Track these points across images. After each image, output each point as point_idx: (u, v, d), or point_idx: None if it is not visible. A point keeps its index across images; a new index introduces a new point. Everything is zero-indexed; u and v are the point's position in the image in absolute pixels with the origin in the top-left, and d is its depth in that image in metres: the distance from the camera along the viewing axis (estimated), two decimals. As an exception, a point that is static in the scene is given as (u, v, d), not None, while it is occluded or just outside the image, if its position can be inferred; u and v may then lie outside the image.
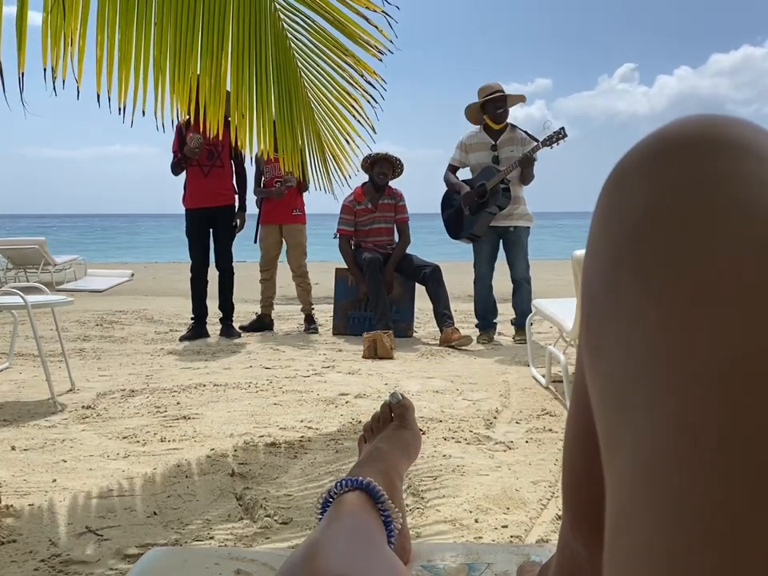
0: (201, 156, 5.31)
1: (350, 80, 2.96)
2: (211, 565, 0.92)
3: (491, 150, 5.23)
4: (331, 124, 3.14)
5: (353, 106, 3.04)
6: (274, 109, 2.86)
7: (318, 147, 3.20)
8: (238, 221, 5.64)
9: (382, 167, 5.65)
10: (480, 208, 5.13)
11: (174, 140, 5.39)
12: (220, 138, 3.00)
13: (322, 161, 3.25)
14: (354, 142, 3.17)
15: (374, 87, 2.96)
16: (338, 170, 3.30)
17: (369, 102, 3.00)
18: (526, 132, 5.21)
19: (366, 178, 5.78)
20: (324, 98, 3.05)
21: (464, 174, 5.45)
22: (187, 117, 2.71)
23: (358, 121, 3.09)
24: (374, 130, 3.09)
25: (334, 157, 3.25)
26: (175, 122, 2.52)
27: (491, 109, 5.17)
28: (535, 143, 5.02)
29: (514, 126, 5.25)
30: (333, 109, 3.09)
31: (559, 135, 4.93)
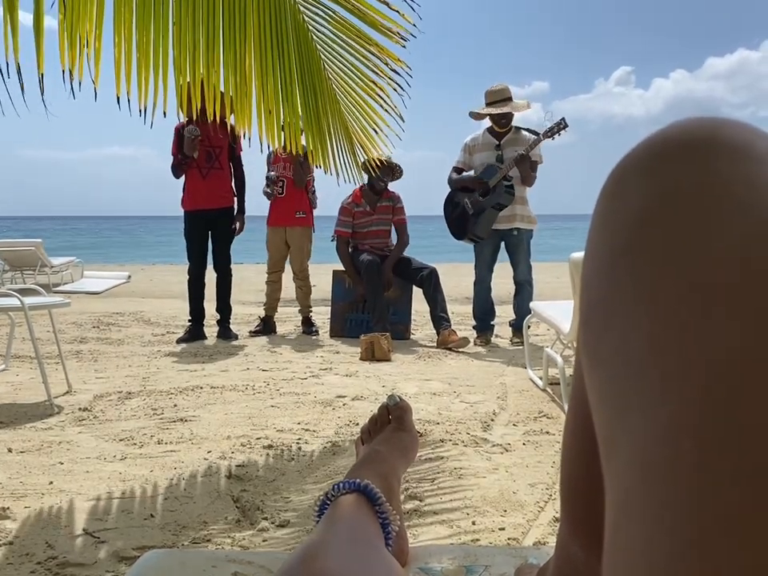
0: (199, 158, 5.30)
1: (375, 69, 2.90)
2: (208, 567, 0.92)
3: (495, 149, 5.23)
4: (358, 115, 3.07)
5: (379, 96, 2.98)
6: (299, 103, 2.84)
7: (347, 139, 3.14)
8: (237, 224, 5.63)
9: (381, 173, 5.63)
10: (483, 206, 5.12)
11: (173, 142, 5.38)
12: (250, 135, 2.98)
13: (351, 153, 3.20)
14: (382, 131, 3.11)
15: (400, 75, 2.91)
16: (367, 161, 3.25)
17: (395, 90, 2.94)
18: (528, 130, 5.21)
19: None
20: (349, 89, 2.99)
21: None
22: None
23: (386, 110, 3.02)
24: (402, 118, 3.01)
25: (362, 147, 3.20)
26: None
27: (494, 119, 5.21)
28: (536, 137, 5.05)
29: (518, 128, 5.26)
30: (359, 99, 3.03)
31: (560, 126, 4.94)
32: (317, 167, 3.20)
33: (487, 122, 5.34)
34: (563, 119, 4.96)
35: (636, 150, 0.33)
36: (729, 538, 0.21)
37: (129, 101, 2.28)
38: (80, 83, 2.13)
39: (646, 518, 0.24)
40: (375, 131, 3.12)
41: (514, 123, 5.29)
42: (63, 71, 2.07)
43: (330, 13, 2.76)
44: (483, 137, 5.32)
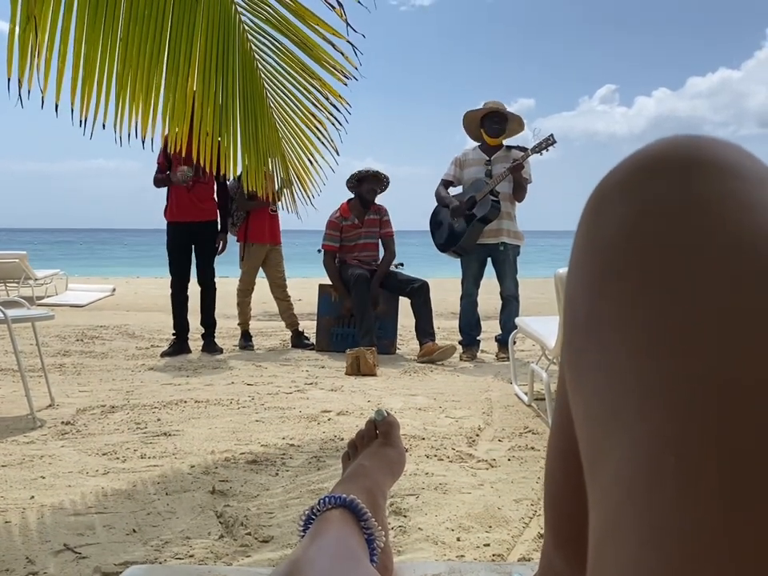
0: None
1: (316, 102, 3.04)
2: (191, 583, 0.91)
3: (485, 165, 5.28)
4: (296, 145, 3.22)
5: (317, 128, 3.13)
6: (239, 128, 2.91)
7: (283, 167, 3.26)
8: (221, 243, 5.62)
9: (371, 183, 5.71)
10: (469, 220, 5.16)
11: (160, 151, 5.37)
12: (183, 154, 3.06)
13: (286, 181, 3.34)
14: (317, 163, 3.27)
15: (339, 110, 3.05)
16: (302, 189, 3.38)
17: (333, 124, 3.09)
18: (518, 147, 5.26)
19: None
20: (289, 119, 3.13)
21: (457, 191, 5.49)
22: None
23: (323, 143, 3.18)
24: (337, 152, 3.20)
25: (298, 177, 3.32)
26: (133, 136, 2.55)
27: (488, 123, 5.24)
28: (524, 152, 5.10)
29: (509, 147, 5.31)
30: (298, 130, 3.17)
31: (548, 142, 4.99)
32: (252, 191, 3.29)
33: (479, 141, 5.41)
34: (551, 135, 5.01)
35: (619, 167, 0.34)
36: (716, 555, 0.21)
37: (72, 110, 2.32)
38: (44, 94, 2.16)
39: (632, 536, 0.24)
40: (310, 161, 3.23)
41: (505, 143, 5.35)
42: (9, 78, 2.09)
43: (277, 44, 2.85)
44: (474, 152, 5.38)
